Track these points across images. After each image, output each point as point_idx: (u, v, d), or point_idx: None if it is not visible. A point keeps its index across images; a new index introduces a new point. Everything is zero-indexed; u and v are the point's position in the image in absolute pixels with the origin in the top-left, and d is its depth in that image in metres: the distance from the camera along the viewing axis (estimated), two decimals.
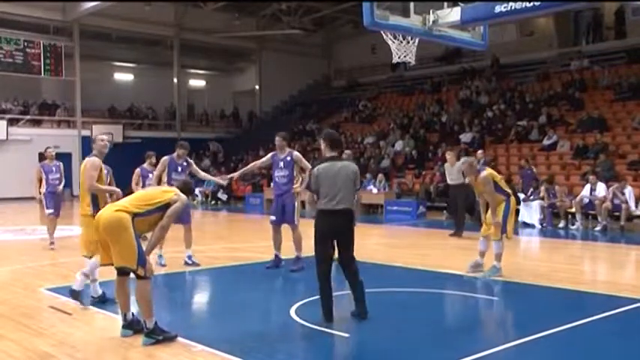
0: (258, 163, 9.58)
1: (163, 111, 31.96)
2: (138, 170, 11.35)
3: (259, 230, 13.11)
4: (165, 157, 9.22)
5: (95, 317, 6.18)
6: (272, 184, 9.22)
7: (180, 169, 9.09)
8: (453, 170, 12.65)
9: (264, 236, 12.86)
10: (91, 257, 6.37)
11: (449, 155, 13.11)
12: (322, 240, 5.78)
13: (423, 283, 7.96)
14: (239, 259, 9.94)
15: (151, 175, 10.19)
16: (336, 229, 5.77)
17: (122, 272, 5.30)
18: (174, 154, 9.22)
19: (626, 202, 13.52)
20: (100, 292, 6.64)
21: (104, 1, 25.19)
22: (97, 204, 6.41)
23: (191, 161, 9.40)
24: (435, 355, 5.08)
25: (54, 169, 11.34)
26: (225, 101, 35.09)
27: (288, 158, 8.83)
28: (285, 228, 8.94)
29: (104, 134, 7.27)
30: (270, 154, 9.15)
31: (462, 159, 8.69)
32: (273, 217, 8.90)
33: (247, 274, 8.76)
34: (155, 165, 10.10)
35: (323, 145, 5.98)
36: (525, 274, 8.30)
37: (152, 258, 5.49)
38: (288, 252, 9.04)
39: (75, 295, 6.39)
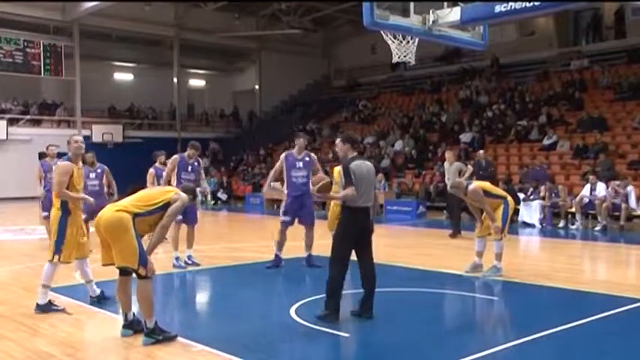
0: (277, 168, 9.03)
1: (163, 111, 31.94)
2: (152, 170, 11.24)
3: (259, 230, 13.13)
4: (176, 156, 9.15)
5: (95, 317, 6.18)
6: (286, 184, 8.97)
7: (190, 168, 9.00)
8: (451, 169, 12.63)
9: (264, 236, 12.87)
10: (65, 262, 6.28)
11: (448, 154, 13.10)
12: (350, 239, 5.85)
13: (423, 282, 7.96)
14: (239, 258, 9.93)
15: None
16: (366, 227, 5.92)
17: (124, 272, 5.30)
18: (185, 154, 9.13)
19: (626, 201, 13.52)
20: (97, 291, 6.61)
21: (104, 0, 25.18)
22: (66, 209, 6.25)
23: (202, 164, 9.33)
24: (435, 355, 5.08)
25: (54, 167, 11.05)
26: (225, 101, 35.06)
27: (307, 159, 8.84)
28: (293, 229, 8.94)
29: (78, 135, 6.99)
30: (283, 156, 9.02)
31: (451, 182, 8.71)
32: (287, 218, 8.83)
33: (247, 274, 8.76)
34: (165, 163, 10.03)
35: (344, 147, 6.06)
36: (525, 274, 8.30)
37: (155, 258, 5.50)
38: (287, 252, 9.05)
39: (42, 309, 6.20)
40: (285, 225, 8.85)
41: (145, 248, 5.22)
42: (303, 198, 8.76)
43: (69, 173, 6.27)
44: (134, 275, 5.25)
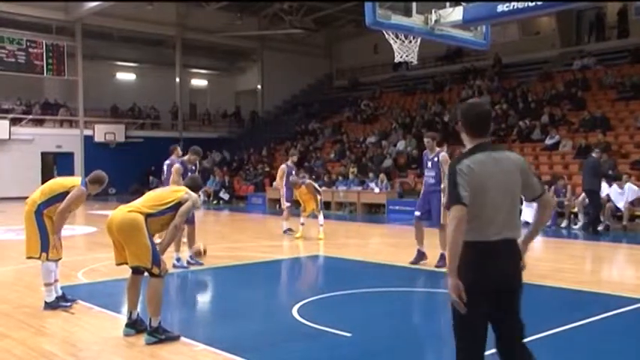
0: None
1: (166, 111, 31.99)
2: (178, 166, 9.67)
3: (261, 230, 13.13)
4: (177, 165, 9.21)
5: (97, 316, 6.18)
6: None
7: (189, 174, 9.05)
8: None
9: (266, 236, 12.87)
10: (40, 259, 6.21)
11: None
12: (474, 301, 3.23)
13: (424, 282, 7.96)
14: (241, 258, 9.94)
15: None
16: (504, 279, 3.51)
17: (137, 271, 5.33)
18: (186, 158, 9.26)
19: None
20: (60, 292, 6.50)
21: (106, 0, 25.21)
22: (41, 212, 6.21)
23: (197, 167, 9.40)
24: (436, 355, 5.08)
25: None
26: (227, 101, 35.10)
27: (435, 159, 8.85)
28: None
29: None
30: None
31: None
32: (417, 213, 9.05)
33: (249, 274, 8.77)
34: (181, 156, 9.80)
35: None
36: (527, 274, 8.22)
37: (166, 258, 5.50)
38: (287, 252, 9.04)
39: (50, 306, 6.25)
40: (416, 220, 9.06)
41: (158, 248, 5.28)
42: (429, 196, 8.86)
43: (81, 200, 6.34)
44: (145, 274, 5.28)
